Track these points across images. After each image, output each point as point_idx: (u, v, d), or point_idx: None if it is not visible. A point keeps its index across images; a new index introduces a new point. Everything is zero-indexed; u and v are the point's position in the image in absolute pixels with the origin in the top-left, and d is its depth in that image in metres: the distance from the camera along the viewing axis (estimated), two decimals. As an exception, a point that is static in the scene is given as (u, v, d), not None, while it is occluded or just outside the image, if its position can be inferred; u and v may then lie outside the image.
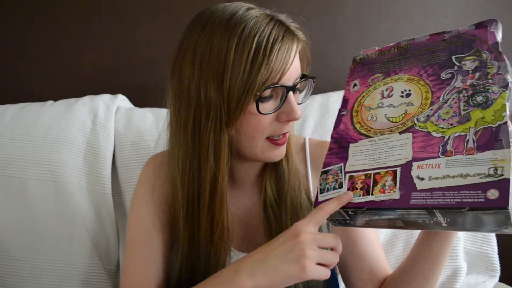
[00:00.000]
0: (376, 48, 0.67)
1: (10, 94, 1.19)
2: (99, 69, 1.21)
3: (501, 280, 0.98)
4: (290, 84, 0.61)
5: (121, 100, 1.10)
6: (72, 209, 0.95)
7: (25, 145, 0.97)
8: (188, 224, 0.66)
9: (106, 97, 1.08)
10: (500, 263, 0.97)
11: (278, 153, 0.66)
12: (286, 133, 0.65)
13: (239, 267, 0.55)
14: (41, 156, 0.97)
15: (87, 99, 1.07)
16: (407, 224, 0.53)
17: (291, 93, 0.61)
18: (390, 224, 0.55)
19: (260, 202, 0.72)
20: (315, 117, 1.03)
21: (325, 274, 0.53)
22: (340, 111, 0.64)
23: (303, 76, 0.65)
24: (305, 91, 0.69)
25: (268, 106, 0.61)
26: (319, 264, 0.52)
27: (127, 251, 0.71)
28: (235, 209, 0.73)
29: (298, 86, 0.64)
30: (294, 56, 0.61)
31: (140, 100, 1.16)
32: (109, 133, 1.01)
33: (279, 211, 0.69)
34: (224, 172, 0.63)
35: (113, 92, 1.12)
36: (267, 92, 0.60)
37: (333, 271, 0.73)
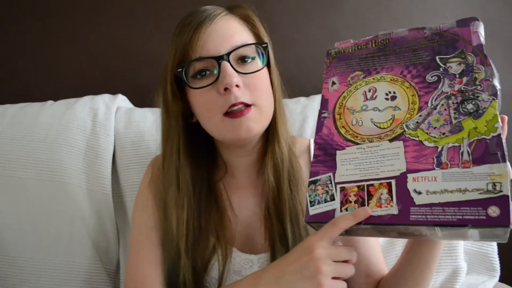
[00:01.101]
0: (352, 41, 0.64)
1: (10, 94, 1.19)
2: (99, 69, 1.21)
3: (501, 280, 0.98)
4: (220, 54, 0.64)
5: (121, 100, 1.10)
6: (72, 209, 0.95)
7: (25, 145, 0.97)
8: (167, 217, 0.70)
9: (106, 97, 1.08)
10: (500, 263, 0.97)
11: (240, 127, 0.65)
12: (241, 106, 0.64)
13: (256, 283, 0.55)
14: (41, 156, 0.96)
15: (87, 99, 1.07)
16: (402, 235, 0.53)
17: (224, 62, 0.63)
18: (383, 235, 0.54)
19: (263, 198, 0.72)
20: (315, 117, 1.02)
21: (341, 287, 0.53)
22: (320, 112, 0.61)
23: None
24: (259, 58, 0.68)
25: (205, 82, 0.65)
26: (335, 277, 0.52)
27: (131, 251, 0.72)
28: (239, 209, 0.73)
29: (238, 55, 0.65)
30: (214, 27, 0.64)
31: (140, 100, 1.16)
32: (109, 133, 1.01)
33: (279, 206, 0.70)
34: (179, 152, 0.70)
35: (113, 92, 1.12)
36: (190, 70, 0.65)
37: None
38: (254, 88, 0.66)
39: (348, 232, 0.54)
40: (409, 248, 0.64)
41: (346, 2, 1.19)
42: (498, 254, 0.97)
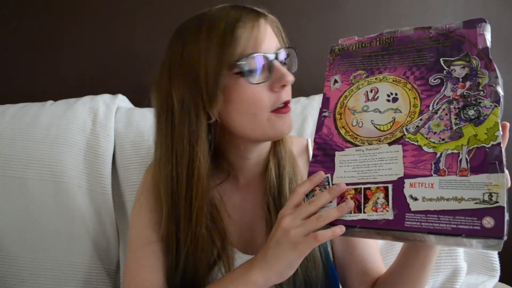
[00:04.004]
0: (356, 38, 0.63)
1: (10, 94, 1.19)
2: (99, 69, 1.21)
3: (501, 280, 0.98)
4: (271, 53, 0.64)
5: (121, 100, 1.10)
6: (72, 209, 0.95)
7: (25, 145, 0.97)
8: (170, 220, 0.67)
9: (106, 97, 1.08)
10: (500, 263, 0.97)
11: (286, 124, 0.65)
12: (288, 103, 0.65)
13: (251, 265, 0.58)
14: (41, 156, 0.97)
15: (87, 99, 1.07)
16: (397, 239, 0.53)
17: (275, 60, 0.63)
18: (379, 237, 0.54)
19: (264, 196, 0.72)
20: (314, 117, 1.02)
21: (314, 241, 0.52)
22: (321, 111, 0.60)
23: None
24: (292, 64, 0.70)
25: (257, 79, 0.63)
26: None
27: (129, 255, 0.71)
28: (240, 212, 0.73)
29: (282, 58, 0.66)
30: (264, 28, 0.63)
31: (140, 100, 1.16)
32: (109, 133, 1.01)
33: (280, 203, 0.70)
34: (201, 162, 0.64)
35: (113, 92, 1.12)
36: (252, 64, 0.61)
37: (333, 270, 0.74)
38: (288, 87, 0.67)
39: (345, 234, 0.54)
40: (405, 251, 0.64)
41: (346, 3, 1.19)
42: (498, 254, 0.97)
